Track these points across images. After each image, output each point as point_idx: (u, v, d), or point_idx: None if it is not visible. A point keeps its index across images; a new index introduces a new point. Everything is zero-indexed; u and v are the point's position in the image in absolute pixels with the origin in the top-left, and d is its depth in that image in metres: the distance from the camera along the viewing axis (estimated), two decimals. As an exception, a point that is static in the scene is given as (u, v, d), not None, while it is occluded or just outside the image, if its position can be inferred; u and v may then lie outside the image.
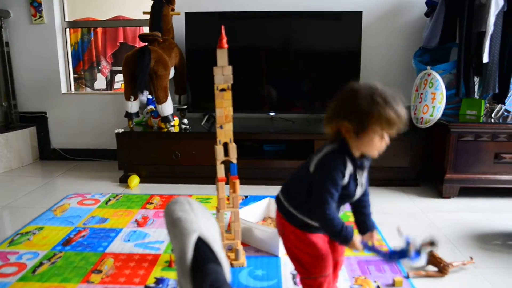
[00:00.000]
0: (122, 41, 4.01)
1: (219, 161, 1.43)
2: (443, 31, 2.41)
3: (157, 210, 2.02)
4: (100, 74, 4.33)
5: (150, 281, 1.38)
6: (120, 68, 3.55)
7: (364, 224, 1.09)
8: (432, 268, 1.45)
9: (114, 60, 4.14)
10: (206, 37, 2.42)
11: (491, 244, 1.68)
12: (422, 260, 1.48)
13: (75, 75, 4.01)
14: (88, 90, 4.34)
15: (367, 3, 2.73)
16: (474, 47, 2.20)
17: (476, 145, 2.13)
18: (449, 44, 2.50)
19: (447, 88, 2.25)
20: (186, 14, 2.59)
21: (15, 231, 1.79)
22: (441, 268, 1.41)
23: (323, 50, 2.59)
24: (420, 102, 2.30)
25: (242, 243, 1.59)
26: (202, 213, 1.00)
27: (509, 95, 2.30)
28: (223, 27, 1.37)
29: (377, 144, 0.96)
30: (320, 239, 1.08)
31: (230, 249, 1.52)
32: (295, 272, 1.40)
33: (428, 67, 2.29)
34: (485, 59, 2.14)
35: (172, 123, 2.50)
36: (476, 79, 2.31)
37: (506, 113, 2.33)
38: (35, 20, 2.89)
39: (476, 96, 2.31)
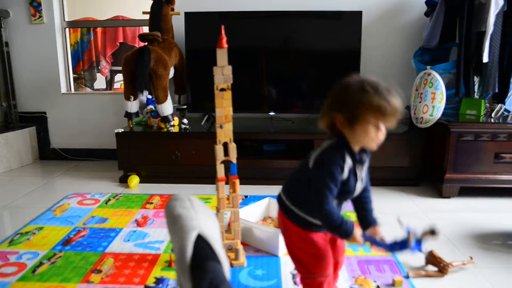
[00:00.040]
0: (121, 41, 4.01)
1: (219, 161, 1.43)
2: (443, 30, 2.41)
3: (157, 210, 2.02)
4: (99, 74, 4.33)
5: (150, 281, 1.38)
6: (119, 68, 3.54)
7: (366, 219, 1.09)
8: (432, 268, 1.45)
9: (114, 60, 4.14)
10: (206, 37, 2.42)
11: (491, 244, 1.68)
12: (422, 258, 1.49)
13: (75, 75, 4.01)
14: (88, 90, 4.34)
15: (367, 3, 2.73)
16: (474, 47, 2.20)
17: (476, 145, 2.13)
18: (449, 43, 2.50)
19: (447, 88, 2.25)
20: (186, 14, 2.59)
21: (15, 231, 1.79)
22: (441, 268, 1.41)
23: (323, 50, 2.59)
24: (420, 102, 2.30)
25: (242, 243, 1.59)
26: (203, 210, 1.00)
27: (509, 94, 2.30)
28: (223, 27, 1.37)
29: (372, 135, 0.96)
30: (321, 239, 1.08)
31: (230, 249, 1.52)
32: (295, 271, 1.41)
33: (428, 67, 2.28)
34: (485, 58, 2.14)
35: (172, 123, 2.50)
36: (476, 79, 2.31)
37: (506, 113, 2.33)
38: (35, 20, 2.89)
39: (476, 96, 2.31)
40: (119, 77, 4.30)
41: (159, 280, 1.39)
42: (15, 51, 2.95)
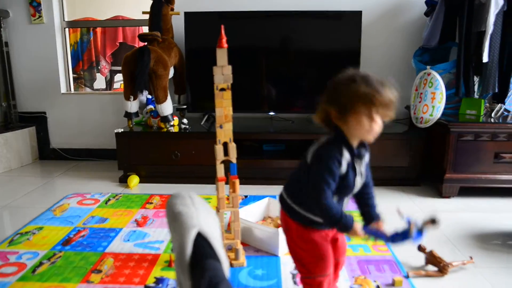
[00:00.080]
0: (121, 41, 4.01)
1: (219, 160, 1.43)
2: (442, 30, 2.41)
3: (157, 210, 2.02)
4: (99, 74, 4.33)
5: (150, 281, 1.38)
6: (119, 68, 3.54)
7: (369, 214, 1.09)
8: (432, 268, 1.45)
9: (114, 60, 4.14)
10: (205, 36, 2.42)
11: (491, 244, 1.68)
12: (422, 258, 1.49)
13: (75, 75, 4.01)
14: (88, 90, 4.33)
15: (367, 3, 2.73)
16: (473, 47, 2.20)
17: (475, 144, 2.13)
18: (449, 43, 2.50)
19: (447, 88, 2.25)
20: (186, 13, 2.59)
21: (14, 231, 1.79)
22: (441, 267, 1.41)
23: (323, 49, 2.59)
24: (419, 102, 2.30)
25: (242, 243, 1.59)
26: (203, 208, 1.00)
27: (509, 94, 2.30)
28: (222, 26, 1.37)
29: (366, 126, 0.95)
30: (322, 239, 1.08)
31: (230, 248, 1.52)
32: (295, 271, 1.41)
33: (428, 67, 2.28)
34: (485, 58, 2.14)
35: (171, 123, 2.49)
36: (476, 79, 2.31)
37: (506, 113, 2.33)
38: (35, 20, 2.89)
39: (476, 96, 2.31)
40: (118, 77, 4.30)
41: (159, 280, 1.39)
42: (15, 51, 2.94)
